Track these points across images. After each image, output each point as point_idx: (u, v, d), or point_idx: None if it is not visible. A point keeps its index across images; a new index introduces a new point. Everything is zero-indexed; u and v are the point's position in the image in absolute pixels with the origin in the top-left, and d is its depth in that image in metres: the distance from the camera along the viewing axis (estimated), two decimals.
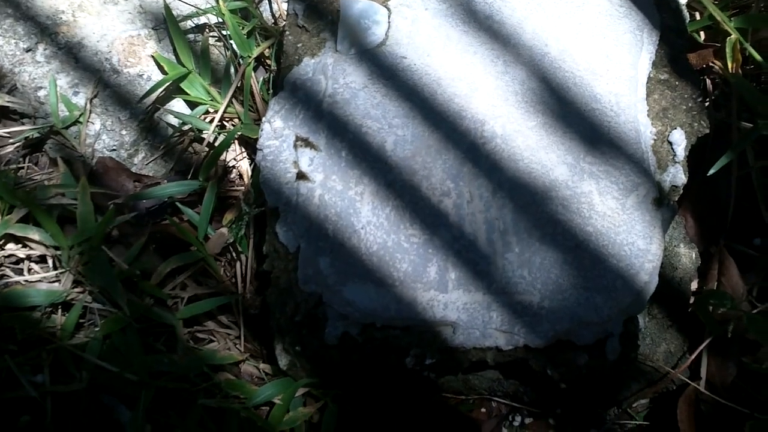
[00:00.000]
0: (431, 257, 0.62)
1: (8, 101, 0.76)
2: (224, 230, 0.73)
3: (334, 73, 0.68)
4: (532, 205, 0.63)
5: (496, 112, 0.66)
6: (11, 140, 0.76)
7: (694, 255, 0.70)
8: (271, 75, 0.80)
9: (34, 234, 0.70)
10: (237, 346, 0.71)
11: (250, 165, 0.78)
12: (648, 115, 0.67)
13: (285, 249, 0.64)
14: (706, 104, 0.77)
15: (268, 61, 0.81)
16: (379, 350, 0.62)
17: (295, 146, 0.66)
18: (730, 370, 0.68)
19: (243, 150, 0.79)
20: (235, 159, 0.78)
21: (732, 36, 0.73)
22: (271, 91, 0.79)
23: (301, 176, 0.65)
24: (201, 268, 0.73)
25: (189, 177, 0.76)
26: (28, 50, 0.77)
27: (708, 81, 0.78)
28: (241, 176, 0.77)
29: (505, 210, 0.63)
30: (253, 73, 0.79)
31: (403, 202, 0.64)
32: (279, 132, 0.67)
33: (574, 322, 0.60)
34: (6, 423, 0.65)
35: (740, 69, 0.74)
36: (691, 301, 0.71)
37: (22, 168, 0.76)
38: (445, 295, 0.61)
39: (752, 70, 0.78)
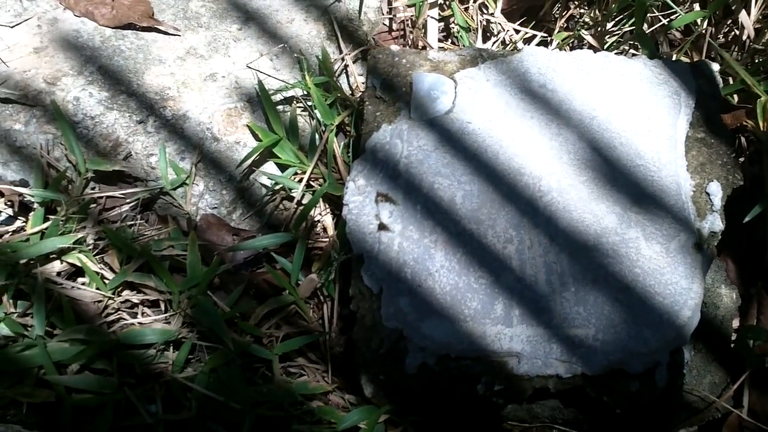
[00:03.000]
0: (497, 296, 0.70)
1: (124, 166, 0.86)
2: (314, 276, 0.81)
3: (408, 137, 0.78)
4: (585, 250, 0.71)
5: (552, 169, 0.75)
6: (127, 200, 0.86)
7: (734, 295, 0.77)
8: (351, 140, 0.90)
9: (149, 281, 0.80)
10: (325, 378, 0.79)
11: (333, 219, 0.86)
12: (687, 170, 0.75)
13: (369, 291, 0.73)
14: (741, 160, 0.84)
15: (347, 128, 0.91)
16: (454, 378, 0.70)
17: (377, 201, 0.75)
18: None
19: (327, 207, 0.87)
20: (320, 214, 0.87)
21: (762, 98, 0.79)
22: (350, 154, 0.89)
23: (382, 227, 0.73)
24: (293, 311, 0.82)
25: (281, 230, 0.86)
26: (140, 122, 0.87)
27: (742, 139, 0.85)
28: (325, 230, 0.86)
29: (562, 254, 0.71)
30: (335, 139, 0.89)
31: (472, 249, 0.72)
32: (362, 189, 0.76)
33: (625, 352, 0.68)
34: None
35: None
36: (733, 337, 0.78)
37: (136, 224, 0.86)
38: (510, 329, 0.69)
39: None
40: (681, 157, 0.75)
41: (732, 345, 0.77)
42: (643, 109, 0.77)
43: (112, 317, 0.79)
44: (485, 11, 1.02)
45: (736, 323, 0.79)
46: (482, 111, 0.78)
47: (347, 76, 0.96)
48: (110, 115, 0.87)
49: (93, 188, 0.87)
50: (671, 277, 0.70)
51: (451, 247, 0.72)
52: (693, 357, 0.75)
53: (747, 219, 0.77)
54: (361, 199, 0.76)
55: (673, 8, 0.94)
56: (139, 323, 0.79)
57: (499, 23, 1.01)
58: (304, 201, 0.87)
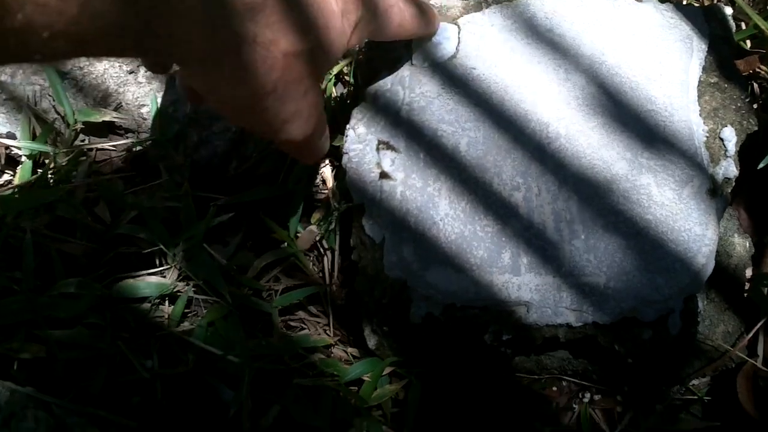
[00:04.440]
0: (504, 244, 0.68)
1: (115, 117, 0.83)
2: (313, 227, 0.79)
3: (410, 83, 0.75)
4: (595, 197, 0.69)
5: (560, 115, 0.72)
6: (118, 152, 0.83)
7: (747, 244, 0.75)
8: (349, 90, 0.87)
9: (142, 234, 0.77)
10: (326, 332, 0.77)
11: (333, 171, 0.84)
12: (700, 115, 0.73)
13: (371, 240, 0.70)
14: (755, 106, 0.82)
15: (346, 77, 0.88)
16: (460, 328, 0.68)
17: (378, 149, 0.72)
18: None
19: (326, 158, 0.85)
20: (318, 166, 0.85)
21: None
22: (349, 103, 0.86)
23: (383, 176, 0.71)
24: (292, 263, 0.79)
25: (279, 181, 0.83)
26: (130, 72, 0.84)
27: (756, 85, 0.83)
28: (324, 182, 0.84)
29: (571, 202, 0.69)
30: (333, 89, 0.86)
31: (477, 197, 0.70)
32: (362, 137, 0.74)
33: (638, 300, 0.65)
34: (120, 403, 0.71)
35: None
36: (747, 286, 0.76)
37: (127, 177, 0.83)
38: (518, 277, 0.67)
39: None
40: (693, 102, 0.73)
41: (746, 294, 0.75)
42: (653, 54, 0.75)
43: (103, 271, 0.77)
44: None
45: (749, 273, 0.77)
46: (487, 56, 0.76)
47: None
48: (99, 65, 0.84)
49: (83, 140, 0.85)
50: (684, 223, 0.67)
51: (456, 195, 0.70)
52: (706, 306, 0.73)
53: (761, 166, 0.75)
54: (362, 147, 0.73)
55: None
56: (135, 276, 0.77)
57: None
58: None
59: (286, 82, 0.52)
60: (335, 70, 0.86)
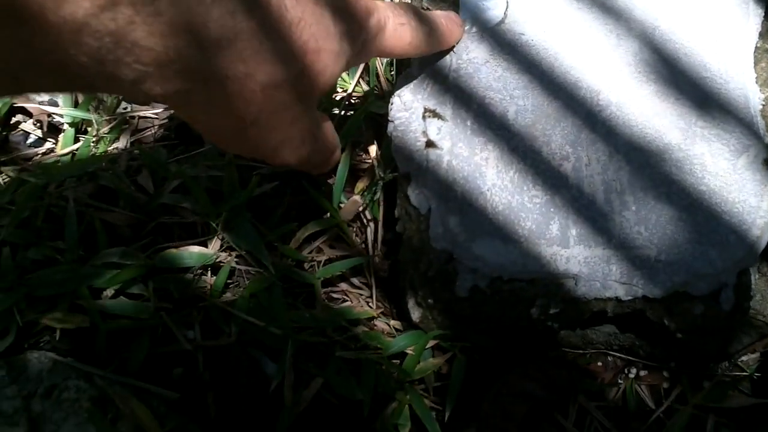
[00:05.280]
0: (553, 215, 0.66)
1: None
2: (357, 197, 0.78)
3: (457, 49, 0.73)
4: (646, 167, 0.67)
5: (611, 83, 0.70)
6: (160, 120, 0.83)
7: None
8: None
9: (185, 203, 0.77)
10: (369, 304, 0.76)
11: (377, 140, 0.82)
12: (756, 82, 0.70)
13: (416, 211, 0.69)
14: None
15: None
16: (507, 301, 0.67)
17: (424, 117, 0.71)
18: None
19: (369, 127, 0.84)
20: (363, 134, 0.83)
21: None
22: (393, 72, 0.84)
23: (429, 144, 0.70)
24: (335, 234, 0.78)
25: None
26: None
27: None
28: (368, 151, 0.82)
29: (622, 172, 0.67)
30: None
31: (526, 166, 0.68)
32: (408, 104, 0.72)
33: (689, 274, 0.64)
34: (162, 374, 0.71)
35: None
36: None
37: (170, 145, 0.82)
38: (567, 250, 0.65)
39: None
40: (750, 69, 0.71)
41: None
42: (708, 19, 0.72)
43: (146, 240, 0.76)
44: None
45: None
46: (536, 22, 0.74)
47: None
48: None
49: (125, 108, 0.84)
50: (739, 194, 0.65)
51: (504, 164, 0.68)
52: (757, 281, 0.71)
53: None
54: (407, 115, 0.72)
55: None
56: (175, 246, 0.76)
57: None
58: (347, 121, 0.82)
59: (268, 113, 0.49)
60: None
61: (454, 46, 0.72)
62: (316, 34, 0.49)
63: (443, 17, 0.68)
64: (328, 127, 0.61)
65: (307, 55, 0.49)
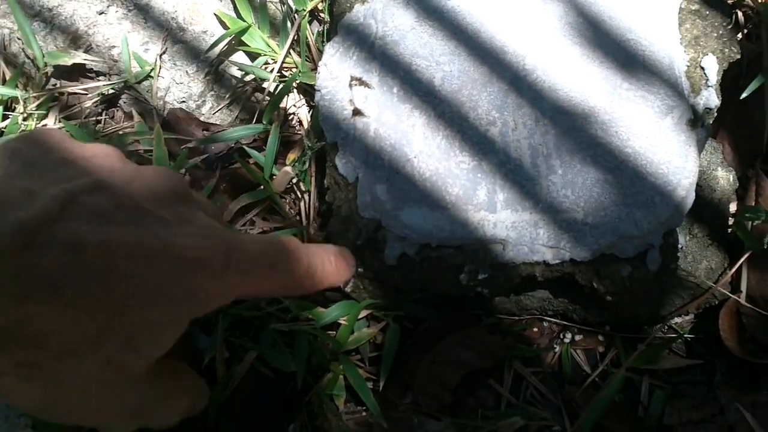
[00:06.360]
0: (480, 181, 0.66)
1: (85, 59, 0.81)
2: (288, 168, 0.77)
3: (383, 17, 0.73)
4: (573, 130, 0.67)
5: (537, 47, 0.70)
6: (89, 95, 0.82)
7: (731, 177, 0.73)
8: (325, 27, 0.85)
9: None
10: None
11: (308, 111, 0.82)
12: (681, 43, 0.70)
13: (344, 180, 0.69)
14: (739, 36, 0.79)
15: (321, 14, 0.85)
16: (436, 268, 0.66)
17: (350, 86, 0.70)
18: None
19: (301, 97, 0.83)
20: (294, 106, 0.83)
21: None
22: (324, 42, 0.84)
23: (356, 112, 0.69)
24: (268, 206, 0.78)
25: (253, 123, 0.81)
26: (100, 13, 0.82)
27: (740, 14, 0.80)
28: (300, 122, 0.82)
29: (548, 136, 0.67)
30: (308, 26, 0.83)
31: (452, 132, 0.68)
32: (335, 73, 0.71)
33: (616, 236, 0.64)
34: None
35: None
36: (731, 221, 0.74)
37: (100, 120, 0.81)
38: (494, 215, 0.65)
39: None
40: (674, 30, 0.71)
41: (729, 229, 0.73)
42: None
43: None
44: None
45: (733, 207, 0.75)
46: None
47: None
48: (68, 6, 0.82)
49: (53, 84, 0.83)
50: (664, 155, 0.65)
51: (431, 131, 0.68)
52: (688, 242, 0.72)
53: (744, 95, 0.73)
54: (334, 84, 0.71)
55: None
56: None
57: None
58: (277, 92, 0.81)
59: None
60: (310, 5, 0.83)
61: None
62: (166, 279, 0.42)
63: (333, 254, 0.56)
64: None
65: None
